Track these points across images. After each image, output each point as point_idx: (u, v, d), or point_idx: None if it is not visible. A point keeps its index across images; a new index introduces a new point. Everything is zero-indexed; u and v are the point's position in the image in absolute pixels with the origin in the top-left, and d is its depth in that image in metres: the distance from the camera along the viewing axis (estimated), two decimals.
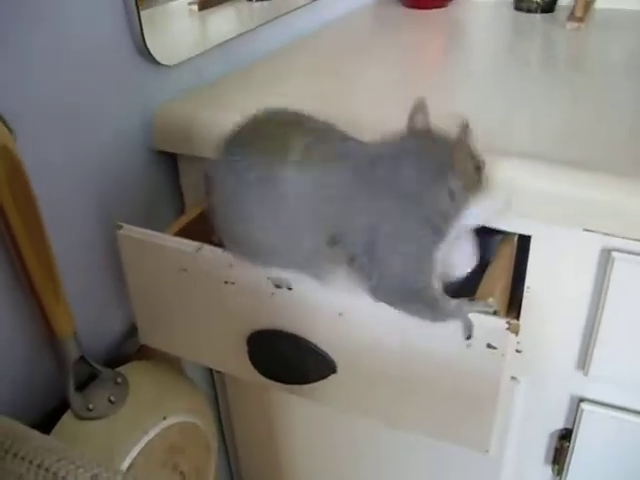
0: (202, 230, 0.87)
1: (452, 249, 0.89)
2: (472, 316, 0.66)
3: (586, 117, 0.86)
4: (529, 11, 1.37)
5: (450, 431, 0.74)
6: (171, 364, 0.96)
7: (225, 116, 0.87)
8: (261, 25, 1.13)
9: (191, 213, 0.88)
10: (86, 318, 0.87)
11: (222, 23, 1.10)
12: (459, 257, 0.86)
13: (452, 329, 0.67)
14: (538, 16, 1.36)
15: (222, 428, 1.22)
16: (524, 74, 1.03)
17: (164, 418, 0.86)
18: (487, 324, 0.66)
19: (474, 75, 1.04)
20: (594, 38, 1.20)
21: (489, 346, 0.66)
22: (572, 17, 1.26)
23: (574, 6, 1.27)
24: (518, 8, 1.39)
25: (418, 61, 1.10)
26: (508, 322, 0.65)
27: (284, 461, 1.17)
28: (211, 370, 1.14)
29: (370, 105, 0.91)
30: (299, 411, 1.08)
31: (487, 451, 0.74)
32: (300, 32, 1.25)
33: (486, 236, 0.88)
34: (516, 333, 0.65)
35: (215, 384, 1.16)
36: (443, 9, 1.42)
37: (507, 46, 1.20)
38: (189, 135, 0.88)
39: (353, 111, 0.87)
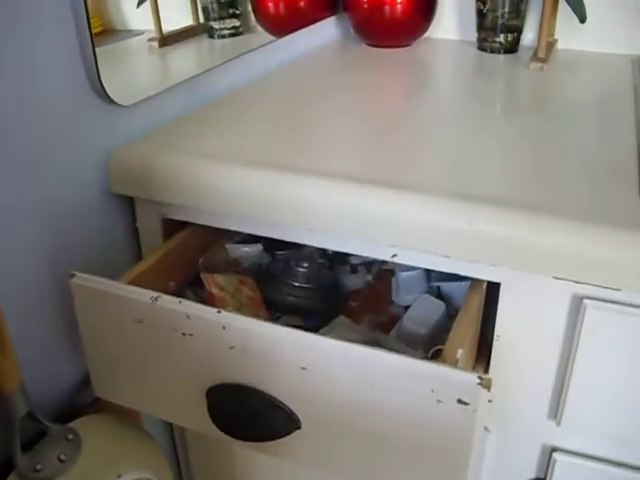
0: (160, 277, 0.84)
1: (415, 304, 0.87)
2: (441, 370, 0.63)
3: (546, 160, 0.85)
4: (492, 51, 1.37)
5: None
6: (128, 417, 0.92)
7: (183, 160, 0.84)
8: (223, 63, 1.11)
9: (148, 260, 0.85)
10: (35, 370, 0.82)
11: (183, 60, 1.07)
12: (423, 310, 0.84)
13: (425, 386, 0.64)
14: (501, 57, 1.35)
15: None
16: (486, 115, 1.01)
17: (118, 477, 0.81)
18: (458, 379, 0.63)
19: (433, 116, 1.02)
20: (557, 78, 1.20)
21: (460, 402, 0.63)
22: (535, 57, 1.25)
23: (537, 47, 1.26)
24: (481, 48, 1.39)
25: (377, 103, 1.08)
26: (480, 377, 0.62)
27: None
28: (171, 426, 1.10)
29: (320, 153, 0.88)
30: (264, 466, 1.04)
31: None
32: (262, 70, 1.23)
33: (455, 284, 0.86)
34: (488, 388, 0.62)
35: (175, 438, 1.12)
36: (406, 48, 1.41)
37: (469, 86, 1.19)
38: (146, 178, 0.85)
39: (302, 160, 0.84)
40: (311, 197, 0.78)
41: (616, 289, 0.70)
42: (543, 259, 0.70)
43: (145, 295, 0.74)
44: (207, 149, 0.86)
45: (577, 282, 0.71)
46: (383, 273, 0.96)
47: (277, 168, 0.81)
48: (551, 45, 1.32)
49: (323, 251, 0.97)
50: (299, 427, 0.72)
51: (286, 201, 0.79)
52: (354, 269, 0.96)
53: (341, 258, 0.98)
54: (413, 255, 0.77)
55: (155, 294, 0.74)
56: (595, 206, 0.73)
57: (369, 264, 0.97)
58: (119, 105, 0.87)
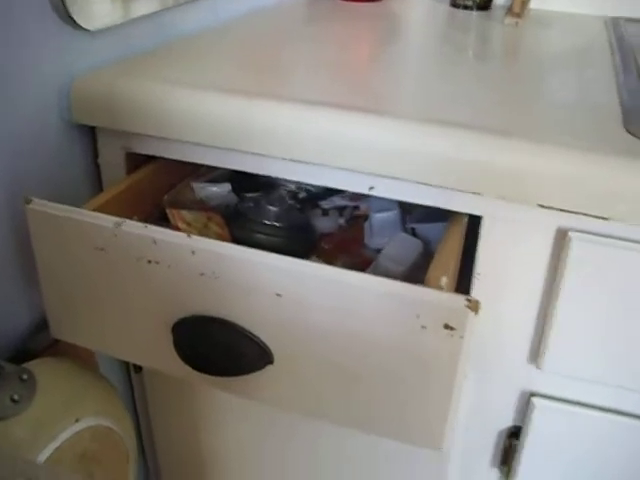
0: (122, 210, 0.79)
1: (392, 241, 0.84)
2: (426, 293, 0.60)
3: (529, 96, 0.82)
4: (465, 8, 1.34)
5: (402, 427, 0.67)
6: (86, 360, 0.87)
7: (150, 86, 0.79)
8: (193, 1, 1.06)
9: (110, 191, 0.80)
10: None
11: None
12: (400, 248, 0.81)
13: (409, 311, 0.60)
14: (474, 13, 1.33)
15: (141, 435, 1.12)
16: (464, 60, 0.98)
17: (76, 420, 0.76)
18: (444, 302, 0.60)
19: (409, 58, 0.99)
20: (533, 33, 1.18)
21: (447, 327, 0.60)
22: (510, 12, 1.23)
23: (512, 3, 1.24)
24: (454, 5, 1.36)
25: (350, 47, 1.04)
26: (467, 299, 0.59)
27: (209, 466, 1.07)
28: (128, 372, 1.05)
29: (295, 83, 0.84)
30: (227, 412, 0.99)
31: (441, 447, 0.67)
32: (231, 15, 1.18)
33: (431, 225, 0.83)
34: (476, 311, 0.59)
35: (133, 387, 1.07)
36: (377, 3, 1.38)
37: (443, 37, 1.16)
38: (110, 107, 0.80)
39: (276, 88, 0.80)
40: (286, 124, 0.74)
41: (603, 218, 0.67)
42: (528, 185, 0.67)
43: (108, 220, 0.69)
44: (175, 77, 0.82)
45: (563, 210, 0.68)
46: (356, 218, 0.92)
47: (250, 95, 0.76)
48: (525, 3, 1.29)
49: (294, 195, 0.93)
50: (272, 362, 0.68)
51: (260, 128, 0.74)
52: (326, 213, 0.92)
53: (312, 202, 0.94)
54: (391, 186, 0.74)
55: (119, 219, 0.69)
56: (581, 134, 0.71)
57: (341, 209, 0.93)
58: (84, 29, 0.82)
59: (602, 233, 0.69)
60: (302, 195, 0.93)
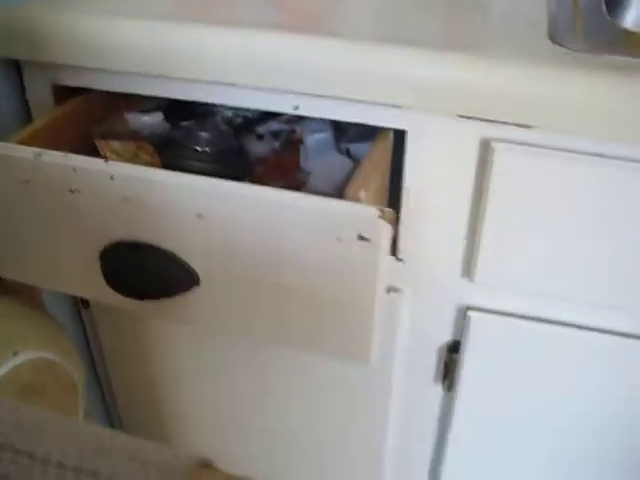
0: (49, 143, 0.78)
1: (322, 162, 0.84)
2: (339, 204, 0.60)
3: (451, 7, 0.81)
4: None
5: (328, 341, 0.68)
6: (31, 298, 0.87)
7: (72, 17, 0.78)
8: None
9: (35, 123, 0.79)
10: None
11: None
12: (330, 167, 0.80)
13: (324, 224, 0.60)
14: None
15: (96, 370, 1.13)
16: None
17: (14, 354, 0.76)
18: (357, 213, 0.60)
19: None
20: None
21: (361, 238, 0.60)
22: None
23: None
24: None
25: None
26: (381, 209, 0.59)
27: (163, 396, 1.09)
28: (78, 307, 1.05)
29: (219, 7, 0.82)
30: (175, 343, 1.00)
31: (368, 361, 0.68)
32: None
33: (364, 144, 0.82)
34: (390, 222, 0.59)
35: (84, 322, 1.07)
36: None
37: None
38: (34, 37, 0.78)
39: (201, 13, 0.79)
40: (210, 46, 0.73)
41: (525, 126, 0.67)
42: (447, 96, 0.67)
43: (28, 152, 0.68)
44: (99, 7, 0.80)
45: (483, 120, 0.68)
46: (292, 142, 0.91)
47: (172, 19, 0.75)
48: None
49: (230, 122, 0.92)
50: (198, 283, 0.68)
51: (183, 53, 0.73)
52: (261, 137, 0.91)
53: (249, 128, 0.93)
54: (315, 104, 0.73)
55: (39, 150, 0.68)
56: (504, 44, 0.71)
57: (276, 133, 0.92)
58: None
59: (525, 142, 0.69)
60: (238, 121, 0.92)
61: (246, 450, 1.09)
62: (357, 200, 0.64)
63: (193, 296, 0.69)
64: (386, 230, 0.60)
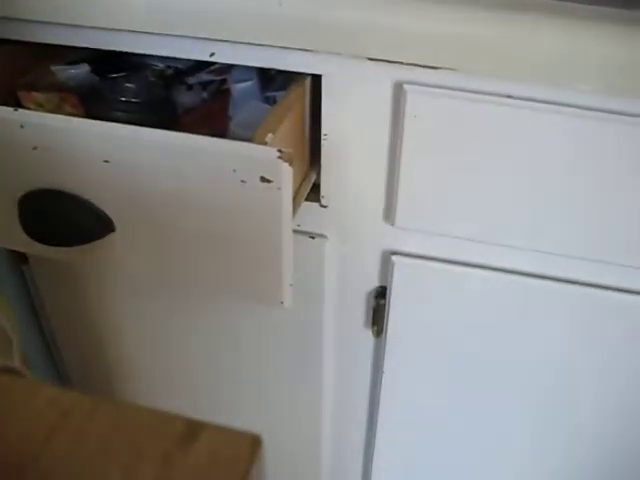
0: None
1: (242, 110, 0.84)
2: (240, 146, 0.61)
3: None
4: None
5: (241, 284, 0.69)
6: None
7: None
8: None
9: None
10: None
11: None
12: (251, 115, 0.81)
13: (227, 166, 0.61)
14: None
15: (41, 326, 1.14)
16: None
17: None
18: (258, 155, 0.60)
19: None
20: None
21: (263, 179, 0.61)
22: None
23: None
24: None
25: None
26: (280, 150, 0.60)
27: (107, 350, 1.10)
28: (18, 263, 1.05)
29: None
30: (111, 293, 1.00)
31: (281, 301, 0.69)
32: None
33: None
34: (290, 162, 0.60)
35: (26, 277, 1.08)
36: None
37: None
38: None
39: None
40: None
41: (433, 67, 0.68)
42: (357, 39, 0.67)
43: None
44: None
45: (392, 62, 0.68)
46: (222, 92, 0.92)
47: None
48: None
49: (159, 74, 0.92)
50: (113, 229, 0.69)
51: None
52: (190, 88, 0.92)
53: (178, 79, 0.93)
54: (230, 51, 0.74)
55: None
56: None
57: (206, 84, 0.93)
58: None
59: (435, 84, 0.70)
60: (169, 73, 0.92)
61: (185, 397, 1.10)
62: (263, 143, 0.65)
63: (110, 242, 0.70)
64: (287, 172, 0.60)
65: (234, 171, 0.61)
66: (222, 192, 0.63)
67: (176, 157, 0.62)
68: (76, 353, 1.13)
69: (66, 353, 1.14)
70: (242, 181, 0.61)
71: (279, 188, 0.61)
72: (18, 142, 0.67)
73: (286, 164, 0.60)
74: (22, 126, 0.66)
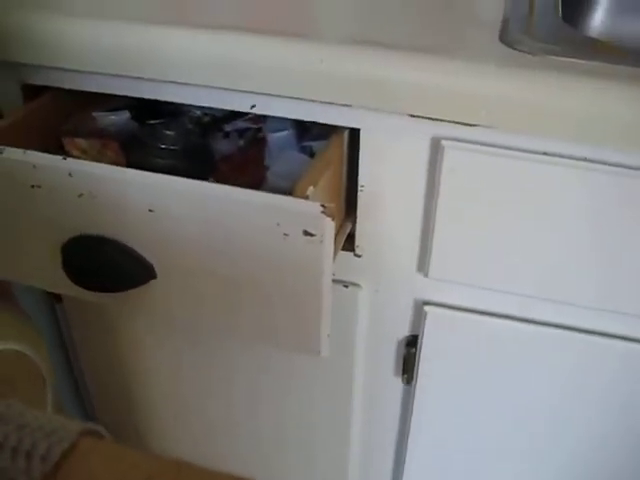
0: (16, 141, 0.80)
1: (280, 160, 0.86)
2: (284, 201, 0.62)
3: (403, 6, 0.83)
4: None
5: (279, 334, 0.70)
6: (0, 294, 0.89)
7: (41, 17, 0.79)
8: None
9: (4, 121, 0.81)
10: None
11: None
12: (288, 165, 0.83)
13: (270, 220, 0.62)
14: None
15: (72, 367, 1.15)
16: None
17: None
18: (301, 209, 0.62)
19: None
20: None
21: (306, 233, 0.62)
22: None
23: None
24: None
25: None
26: (323, 205, 0.61)
27: (134, 390, 1.11)
28: (52, 302, 1.07)
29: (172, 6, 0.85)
30: (143, 338, 1.02)
31: (318, 352, 0.70)
32: None
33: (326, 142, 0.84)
34: (332, 217, 0.61)
35: (57, 316, 1.09)
36: None
37: None
38: (3, 38, 0.80)
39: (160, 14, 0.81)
40: (166, 46, 0.75)
41: (471, 124, 0.69)
42: (397, 95, 0.69)
43: None
44: (66, 6, 0.82)
45: (432, 119, 0.70)
46: (258, 140, 0.94)
47: (133, 20, 0.77)
48: None
49: (197, 121, 0.94)
50: (154, 276, 0.70)
51: (140, 53, 0.75)
52: (227, 135, 0.94)
53: (215, 127, 0.95)
54: (272, 103, 0.75)
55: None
56: (453, 44, 0.72)
57: (243, 131, 0.95)
58: None
59: (473, 140, 0.71)
60: (206, 120, 0.94)
61: (213, 443, 1.11)
62: (305, 196, 0.66)
63: (150, 289, 0.71)
64: (329, 225, 0.62)
65: (278, 225, 0.62)
66: (264, 244, 0.64)
67: (221, 210, 0.64)
68: (104, 393, 1.14)
69: (94, 392, 1.15)
70: (285, 234, 0.63)
71: (321, 242, 0.62)
72: (65, 189, 0.68)
73: (329, 219, 0.61)
74: (70, 174, 0.67)
